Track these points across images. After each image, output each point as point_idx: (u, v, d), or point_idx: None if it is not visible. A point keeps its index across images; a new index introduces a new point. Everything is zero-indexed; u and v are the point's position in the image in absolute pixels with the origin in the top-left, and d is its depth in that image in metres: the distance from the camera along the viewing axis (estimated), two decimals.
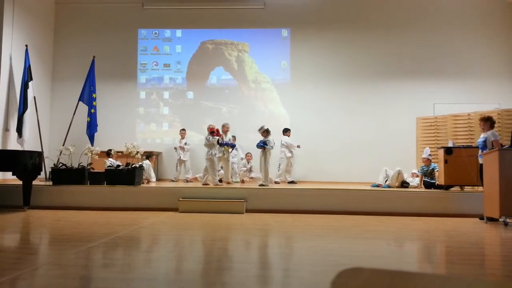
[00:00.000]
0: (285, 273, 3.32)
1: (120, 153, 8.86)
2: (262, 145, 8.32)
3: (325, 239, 4.82)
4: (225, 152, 8.67)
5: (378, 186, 8.40)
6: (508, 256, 4.13)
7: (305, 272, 3.21)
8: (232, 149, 9.12)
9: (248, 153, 9.97)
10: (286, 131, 9.79)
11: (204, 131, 10.45)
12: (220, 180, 8.75)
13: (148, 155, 9.25)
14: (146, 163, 9.02)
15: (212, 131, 8.47)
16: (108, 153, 8.84)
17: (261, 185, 8.07)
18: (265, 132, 8.44)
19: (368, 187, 8.00)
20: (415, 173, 8.67)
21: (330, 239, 4.83)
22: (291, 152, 9.63)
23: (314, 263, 3.54)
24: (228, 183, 8.70)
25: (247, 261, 3.69)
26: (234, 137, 10.16)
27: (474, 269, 3.38)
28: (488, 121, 6.38)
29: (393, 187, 8.08)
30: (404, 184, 8.17)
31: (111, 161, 8.49)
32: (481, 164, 6.36)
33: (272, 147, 8.38)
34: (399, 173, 8.21)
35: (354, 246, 4.41)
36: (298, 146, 9.71)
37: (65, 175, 7.66)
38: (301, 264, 3.56)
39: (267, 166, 8.22)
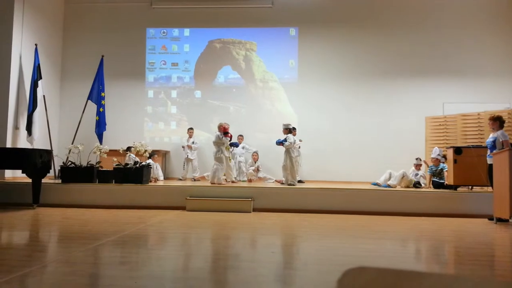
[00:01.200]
0: (292, 272, 3.32)
1: (127, 151, 8.87)
2: (281, 142, 8.36)
3: (331, 239, 4.80)
4: (226, 152, 8.72)
5: (377, 184, 8.38)
6: None
7: (311, 271, 3.21)
8: (233, 148, 9.18)
9: (254, 152, 9.96)
10: (292, 130, 9.75)
11: (211, 130, 10.49)
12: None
13: (151, 154, 9.14)
14: (151, 162, 8.97)
15: (226, 132, 8.49)
16: (127, 149, 8.76)
17: (290, 184, 8.09)
18: (286, 130, 8.48)
19: (376, 187, 7.96)
20: (417, 165, 8.52)
21: (336, 239, 4.82)
22: (297, 151, 9.59)
23: (321, 262, 3.53)
24: (233, 182, 8.72)
25: (254, 260, 3.69)
26: (241, 136, 10.18)
27: (483, 270, 3.35)
28: (497, 121, 6.31)
29: (393, 187, 8.03)
30: (416, 185, 8.12)
31: (132, 157, 8.53)
32: (490, 164, 6.30)
33: (291, 143, 8.32)
34: (404, 175, 8.17)
35: (361, 245, 4.39)
36: (300, 140, 9.64)
37: (74, 173, 7.72)
38: (308, 263, 3.55)
39: (291, 164, 8.22)
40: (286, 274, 3.23)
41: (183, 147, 10.20)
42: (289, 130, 8.57)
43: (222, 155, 8.37)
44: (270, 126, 10.44)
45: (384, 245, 4.48)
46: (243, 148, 10.04)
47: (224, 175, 9.23)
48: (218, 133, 8.51)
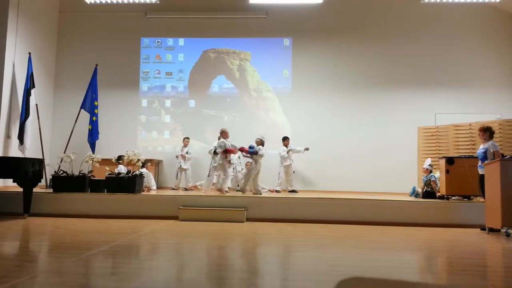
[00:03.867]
0: (286, 283, 3.29)
1: (119, 161, 8.80)
2: (252, 152, 8.44)
3: (326, 249, 4.79)
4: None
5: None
6: (510, 267, 4.10)
7: (306, 282, 3.19)
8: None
9: (248, 162, 9.92)
10: (284, 140, 9.79)
11: (205, 139, 10.53)
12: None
13: (143, 163, 9.06)
14: (144, 171, 8.91)
15: (231, 151, 8.51)
16: (119, 159, 8.71)
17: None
18: (260, 141, 8.60)
19: (369, 197, 7.96)
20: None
21: (331, 249, 4.81)
22: (290, 160, 9.60)
23: (315, 272, 3.52)
24: (226, 191, 8.70)
25: (247, 271, 3.67)
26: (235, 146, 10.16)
27: (476, 280, 3.35)
28: (487, 131, 6.38)
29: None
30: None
31: (121, 168, 8.48)
32: (482, 175, 6.35)
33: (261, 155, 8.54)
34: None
35: (355, 255, 4.38)
36: (307, 148, 9.65)
37: (65, 183, 7.66)
38: (302, 274, 3.53)
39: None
40: (280, 285, 3.21)
41: (176, 156, 10.17)
42: (262, 141, 8.62)
43: (223, 161, 8.43)
44: (265, 135, 10.43)
45: (378, 255, 4.48)
46: (238, 157, 10.01)
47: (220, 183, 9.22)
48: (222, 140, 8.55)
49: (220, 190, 8.33)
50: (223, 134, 8.74)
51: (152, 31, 11.26)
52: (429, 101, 10.49)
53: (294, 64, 11.00)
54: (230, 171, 8.78)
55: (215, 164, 8.70)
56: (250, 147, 8.45)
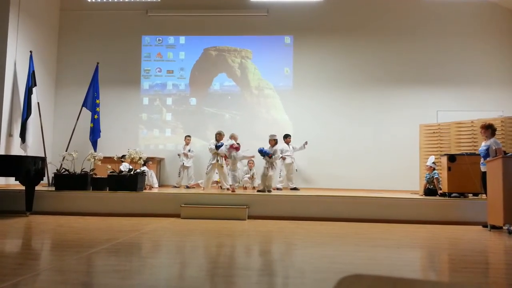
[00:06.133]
0: (287, 280, 3.30)
1: (121, 159, 8.82)
2: (268, 153, 8.42)
3: (327, 246, 4.79)
4: (219, 159, 8.71)
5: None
6: None
7: (307, 279, 3.19)
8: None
9: (250, 160, 9.92)
10: (285, 137, 9.78)
11: (207, 137, 10.50)
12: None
13: (145, 161, 9.05)
14: (146, 169, 8.90)
15: (236, 148, 8.52)
16: (122, 157, 8.74)
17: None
18: (273, 141, 8.72)
19: (371, 195, 7.95)
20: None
21: (332, 246, 4.81)
22: (291, 158, 9.59)
23: (316, 270, 3.52)
24: (228, 189, 8.70)
25: (249, 268, 3.67)
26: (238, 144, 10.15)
27: (478, 278, 3.35)
28: (489, 129, 6.37)
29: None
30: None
31: (125, 166, 8.50)
32: (484, 172, 6.34)
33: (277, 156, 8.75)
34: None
35: (356, 253, 4.39)
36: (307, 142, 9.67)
37: (67, 181, 7.67)
38: (303, 271, 3.54)
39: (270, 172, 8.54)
40: (282, 283, 3.22)
41: (179, 154, 10.18)
42: (275, 141, 8.78)
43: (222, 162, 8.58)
44: (265, 133, 10.43)
45: (379, 252, 4.48)
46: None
47: (219, 182, 9.24)
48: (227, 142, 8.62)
49: (232, 189, 8.33)
50: (221, 136, 8.82)
51: (153, 29, 11.25)
52: (430, 99, 10.47)
53: (295, 62, 10.98)
54: (225, 168, 8.83)
55: (213, 162, 8.74)
56: (264, 152, 8.38)
